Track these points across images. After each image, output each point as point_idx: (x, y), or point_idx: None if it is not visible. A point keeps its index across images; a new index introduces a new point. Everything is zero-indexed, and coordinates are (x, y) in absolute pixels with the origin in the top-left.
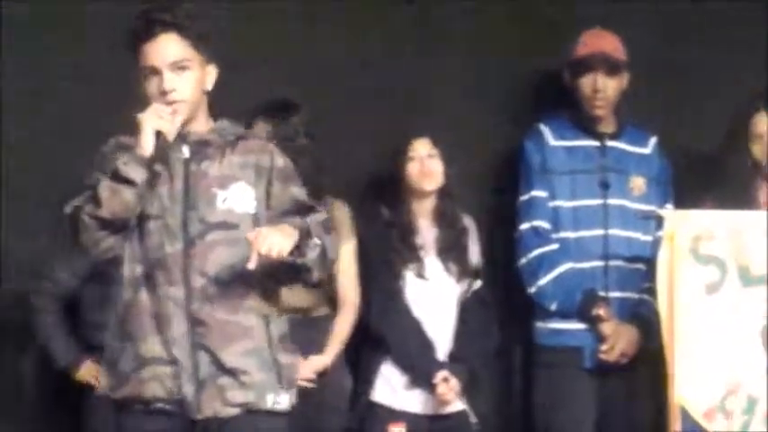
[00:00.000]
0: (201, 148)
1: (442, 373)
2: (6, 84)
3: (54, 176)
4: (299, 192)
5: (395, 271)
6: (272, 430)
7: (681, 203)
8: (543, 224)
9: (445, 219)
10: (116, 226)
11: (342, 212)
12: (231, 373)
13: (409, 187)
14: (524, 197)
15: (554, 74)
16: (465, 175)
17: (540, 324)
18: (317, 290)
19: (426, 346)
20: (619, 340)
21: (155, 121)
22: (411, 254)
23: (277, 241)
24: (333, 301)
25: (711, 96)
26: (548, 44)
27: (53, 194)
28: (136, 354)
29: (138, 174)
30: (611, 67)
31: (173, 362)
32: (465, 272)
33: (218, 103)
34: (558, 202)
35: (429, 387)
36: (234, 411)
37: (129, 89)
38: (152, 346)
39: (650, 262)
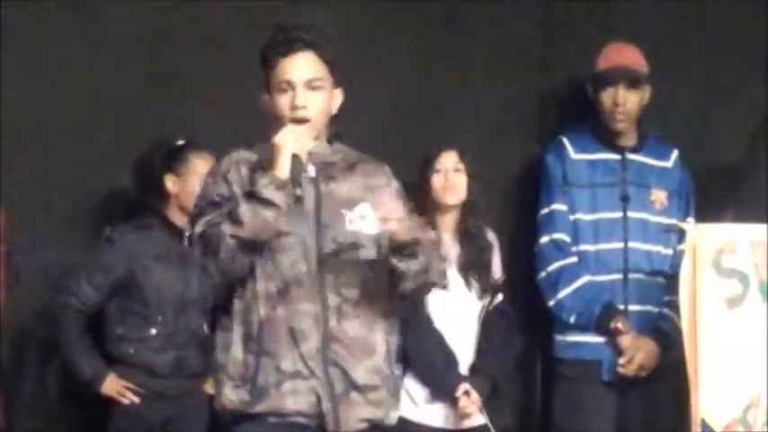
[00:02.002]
0: (326, 168)
1: (463, 387)
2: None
3: (73, 190)
4: (410, 213)
5: None
6: None
7: (702, 217)
8: (563, 237)
9: (468, 235)
10: (254, 245)
11: None
12: (361, 389)
13: (433, 200)
14: (545, 210)
15: (578, 87)
16: (486, 187)
17: (559, 337)
18: None
19: (448, 359)
20: (637, 353)
21: (292, 145)
22: None
23: (397, 215)
24: None
25: (732, 109)
26: (572, 57)
27: (71, 208)
28: (276, 368)
29: (278, 196)
30: (633, 81)
31: (312, 376)
32: (486, 288)
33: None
34: (578, 215)
35: (450, 400)
36: (363, 426)
37: (131, 91)
38: (292, 360)
39: (670, 275)
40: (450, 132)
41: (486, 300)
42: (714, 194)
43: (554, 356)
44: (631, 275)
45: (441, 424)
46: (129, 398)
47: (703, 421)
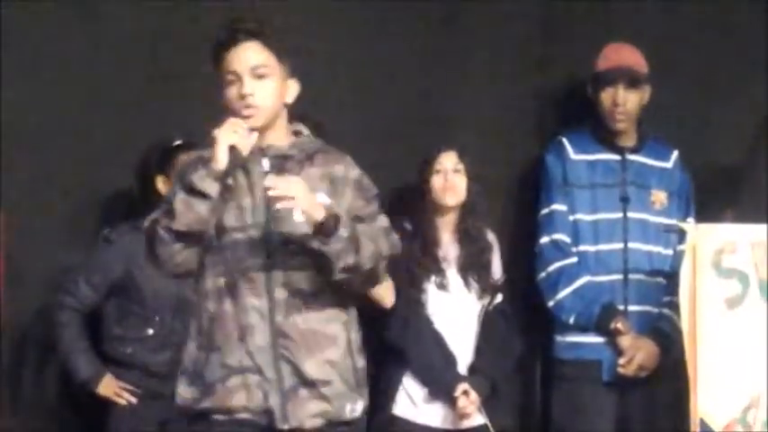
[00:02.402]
0: (281, 161)
1: (462, 387)
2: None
3: (73, 190)
4: (372, 201)
5: (416, 283)
6: None
7: (702, 217)
8: (563, 238)
9: (468, 236)
10: (191, 239)
11: None
12: (313, 384)
13: (432, 200)
14: (545, 211)
15: (578, 87)
16: (485, 188)
17: (558, 337)
18: None
19: (447, 359)
20: (637, 354)
21: (229, 136)
22: (433, 265)
23: (294, 192)
24: None
25: (732, 109)
26: (572, 57)
27: (71, 208)
28: (222, 363)
29: (211, 187)
30: (632, 81)
31: (258, 371)
32: (486, 289)
33: None
34: (578, 216)
35: (449, 400)
36: (316, 422)
37: (131, 91)
38: (238, 355)
39: (670, 276)
40: (450, 132)
41: (486, 300)
42: (714, 195)
43: (554, 357)
44: (631, 276)
45: (439, 424)
46: (126, 398)
47: (702, 421)
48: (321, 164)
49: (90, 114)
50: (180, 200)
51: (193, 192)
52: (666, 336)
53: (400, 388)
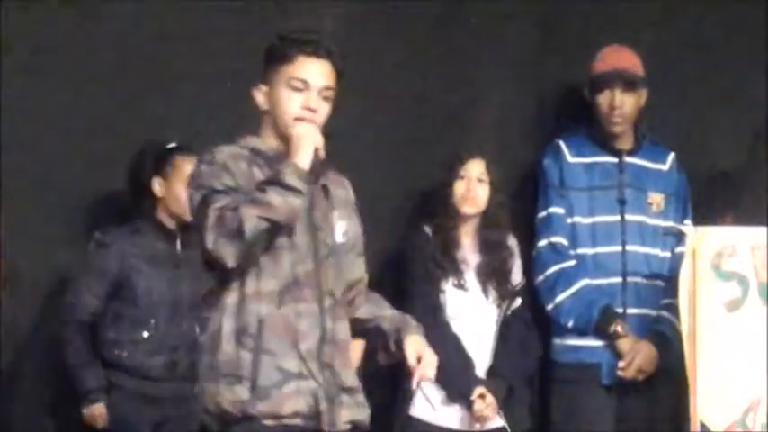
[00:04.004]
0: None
1: (478, 390)
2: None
3: (72, 191)
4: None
5: (435, 283)
6: None
7: (702, 219)
8: (561, 241)
9: (487, 245)
10: (278, 232)
11: None
12: (349, 391)
13: (453, 205)
14: (542, 214)
15: (575, 89)
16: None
17: (557, 341)
18: None
19: (465, 362)
20: (636, 357)
21: (314, 139)
22: (451, 265)
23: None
24: None
25: (732, 109)
26: (569, 59)
27: (70, 208)
28: (279, 368)
29: (300, 185)
30: (629, 84)
31: (311, 377)
32: (504, 295)
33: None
34: (575, 219)
35: (466, 403)
36: (347, 428)
37: (130, 91)
38: (292, 361)
39: (669, 278)
40: (446, 135)
41: (504, 305)
42: (714, 197)
43: (553, 360)
44: (630, 278)
45: (457, 426)
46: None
47: (702, 424)
48: (329, 181)
49: (90, 114)
50: (275, 193)
51: (284, 186)
52: (666, 338)
53: (417, 390)
